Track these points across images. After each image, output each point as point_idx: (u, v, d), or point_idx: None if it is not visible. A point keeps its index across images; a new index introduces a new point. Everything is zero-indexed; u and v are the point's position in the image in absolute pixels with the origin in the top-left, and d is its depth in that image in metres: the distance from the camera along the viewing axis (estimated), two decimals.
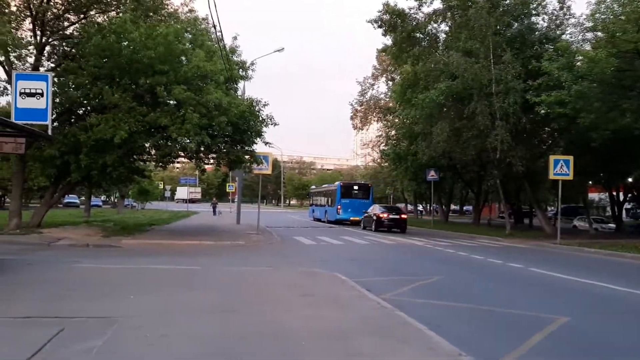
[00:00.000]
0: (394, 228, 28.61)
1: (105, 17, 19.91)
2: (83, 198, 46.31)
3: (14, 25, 17.75)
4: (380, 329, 6.16)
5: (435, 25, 28.45)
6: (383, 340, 5.73)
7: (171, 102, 18.27)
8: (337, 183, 42.15)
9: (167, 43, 17.37)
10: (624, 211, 38.01)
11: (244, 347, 5.33)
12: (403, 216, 30.07)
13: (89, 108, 19.94)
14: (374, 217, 29.34)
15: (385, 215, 29.08)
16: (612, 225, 34.36)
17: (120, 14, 18.73)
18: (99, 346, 5.16)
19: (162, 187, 56.24)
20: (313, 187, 54.79)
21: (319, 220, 41.75)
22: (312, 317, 6.69)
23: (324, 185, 49.66)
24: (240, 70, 22.03)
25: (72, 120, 20.35)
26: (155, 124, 18.05)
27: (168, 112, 17.87)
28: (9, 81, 18.33)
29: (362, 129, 53.20)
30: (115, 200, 54.04)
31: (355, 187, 39.09)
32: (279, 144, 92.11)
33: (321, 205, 43.23)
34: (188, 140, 18.20)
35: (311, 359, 5.08)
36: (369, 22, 28.17)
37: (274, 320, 6.50)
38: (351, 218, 35.36)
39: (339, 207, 36.70)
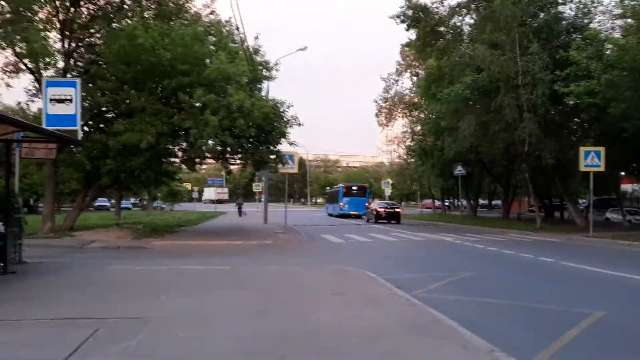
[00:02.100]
0: (391, 219, 34.03)
1: (126, 23, 20.20)
2: (113, 201, 47.10)
3: (42, 34, 18.10)
4: (413, 327, 6.11)
5: (459, 18, 28.11)
6: (416, 337, 5.69)
7: (197, 104, 18.44)
8: (340, 185, 50.33)
9: (184, 44, 17.50)
10: None
11: (279, 346, 5.34)
12: (397, 210, 35.94)
13: (116, 112, 20.25)
14: (374, 212, 35.06)
15: (382, 209, 34.87)
16: None
17: (146, 20, 18.99)
18: (133, 346, 5.24)
19: (189, 189, 56.89)
20: (327, 188, 63.75)
21: (331, 215, 47.89)
22: (344, 316, 6.67)
23: (334, 187, 56.43)
24: (264, 70, 22.09)
25: (101, 125, 20.71)
26: (180, 126, 18.25)
27: (192, 114, 18.04)
28: (39, 88, 18.75)
29: (387, 126, 53.00)
30: (145, 203, 54.86)
31: (354, 188, 46.91)
32: (303, 142, 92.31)
33: (331, 203, 50.58)
34: (211, 143, 18.33)
35: (346, 357, 5.07)
36: (391, 17, 28.01)
37: (307, 319, 6.51)
38: (351, 212, 42.84)
39: (341, 203, 44.83)
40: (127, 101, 18.48)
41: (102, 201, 53.28)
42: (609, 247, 18.07)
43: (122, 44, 17.69)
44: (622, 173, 33.93)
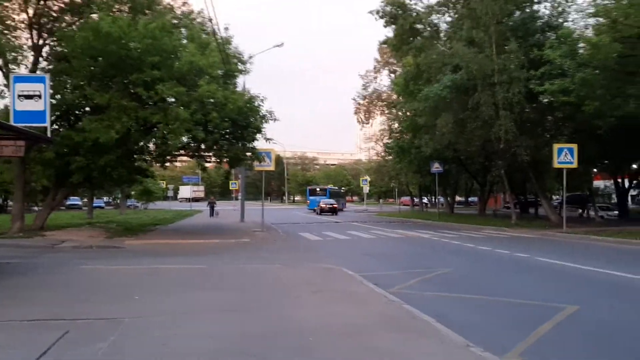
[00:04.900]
0: (332, 212, 46.51)
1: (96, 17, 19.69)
2: (85, 200, 46.23)
3: (11, 28, 17.61)
4: (391, 323, 6.11)
5: (437, 15, 28.27)
6: (394, 334, 5.68)
7: (170, 99, 18.01)
8: (308, 187, 67.60)
9: (153, 36, 17.05)
10: (629, 198, 37.81)
11: (257, 345, 5.26)
12: (334, 205, 48.14)
13: (86, 109, 19.69)
14: (320, 207, 47.71)
15: (325, 205, 47.81)
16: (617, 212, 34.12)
17: (116, 13, 18.53)
18: (105, 347, 5.10)
19: (164, 187, 56.17)
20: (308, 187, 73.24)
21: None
22: (324, 314, 6.64)
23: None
24: (239, 64, 21.76)
25: (71, 121, 20.18)
26: (148, 121, 17.79)
27: (162, 108, 17.59)
28: (6, 84, 18.22)
29: (366, 123, 53.15)
30: (118, 201, 53.97)
31: (318, 189, 61.32)
32: (281, 140, 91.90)
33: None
34: (185, 140, 17.90)
35: (326, 354, 5.02)
36: (370, 12, 28.08)
37: (286, 317, 6.44)
38: (314, 208, 52.10)
39: (307, 201, 59.02)
40: (91, 97, 17.93)
41: (74, 200, 52.29)
42: (582, 243, 18.35)
43: (88, 35, 17.16)
44: (595, 170, 34.58)
